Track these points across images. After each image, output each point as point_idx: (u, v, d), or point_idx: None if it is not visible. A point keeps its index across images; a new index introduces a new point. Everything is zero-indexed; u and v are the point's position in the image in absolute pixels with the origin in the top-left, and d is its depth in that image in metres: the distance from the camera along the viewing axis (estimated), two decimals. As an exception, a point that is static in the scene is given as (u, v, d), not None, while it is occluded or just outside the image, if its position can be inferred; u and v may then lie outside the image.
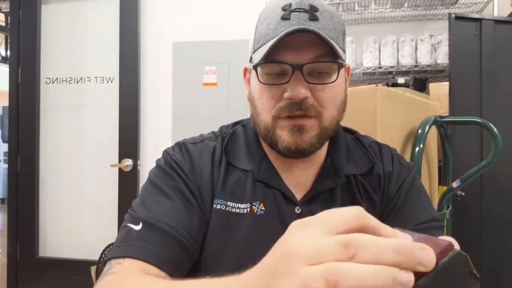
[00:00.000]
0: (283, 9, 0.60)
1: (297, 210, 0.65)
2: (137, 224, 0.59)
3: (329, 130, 0.63)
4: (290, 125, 0.60)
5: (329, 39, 0.56)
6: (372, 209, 0.66)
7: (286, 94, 0.59)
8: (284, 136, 0.61)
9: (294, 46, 0.58)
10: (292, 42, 0.58)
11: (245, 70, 0.72)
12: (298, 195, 0.66)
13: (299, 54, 0.58)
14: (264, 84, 0.61)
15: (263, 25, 0.62)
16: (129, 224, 0.59)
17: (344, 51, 0.63)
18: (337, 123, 0.65)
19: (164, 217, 0.60)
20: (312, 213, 0.67)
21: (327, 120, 0.62)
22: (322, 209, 0.66)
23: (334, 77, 0.61)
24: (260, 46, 0.61)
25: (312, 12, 0.59)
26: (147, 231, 0.58)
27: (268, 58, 0.59)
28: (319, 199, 0.66)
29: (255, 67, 0.62)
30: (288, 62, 0.58)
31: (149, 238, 0.57)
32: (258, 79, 0.62)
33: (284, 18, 0.59)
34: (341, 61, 0.60)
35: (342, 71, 0.63)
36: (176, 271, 0.56)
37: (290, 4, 0.60)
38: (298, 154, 0.62)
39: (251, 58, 0.67)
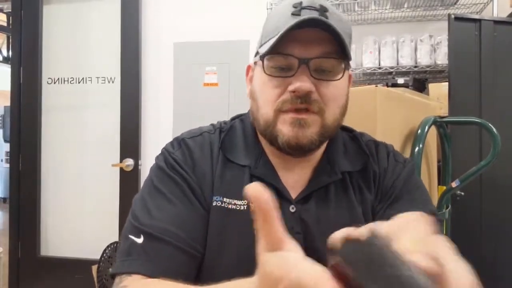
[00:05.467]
0: (294, 6, 0.60)
1: (292, 209, 0.64)
2: (139, 236, 0.58)
3: (330, 130, 0.62)
4: (292, 118, 0.59)
5: (340, 32, 0.56)
6: (364, 208, 0.66)
7: (291, 87, 0.58)
8: (285, 130, 0.60)
9: (302, 40, 0.58)
10: (301, 37, 0.58)
11: (248, 68, 0.71)
12: (294, 193, 0.65)
13: (307, 48, 0.58)
14: (269, 76, 0.61)
15: (272, 21, 0.62)
16: (131, 236, 0.58)
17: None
18: (338, 125, 0.64)
19: (167, 224, 0.59)
20: (307, 212, 0.63)
21: (329, 118, 0.61)
22: (316, 209, 0.65)
23: (339, 75, 0.60)
24: (268, 40, 0.61)
25: (323, 11, 0.59)
26: (149, 243, 0.57)
27: (275, 51, 0.59)
28: (313, 197, 0.65)
29: (261, 58, 0.61)
30: (295, 55, 0.58)
31: (152, 251, 0.57)
32: (264, 70, 0.61)
33: (294, 14, 0.59)
34: (348, 61, 0.60)
35: (346, 73, 0.63)
36: (182, 278, 0.56)
37: (301, 2, 0.60)
38: (297, 150, 0.61)
39: (256, 53, 0.66)
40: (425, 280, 0.23)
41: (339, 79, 0.60)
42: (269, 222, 0.30)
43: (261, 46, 0.64)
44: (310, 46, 0.58)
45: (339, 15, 0.61)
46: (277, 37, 0.57)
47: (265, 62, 0.61)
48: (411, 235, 0.27)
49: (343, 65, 0.60)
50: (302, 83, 0.57)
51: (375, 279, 0.23)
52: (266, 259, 0.30)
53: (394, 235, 0.27)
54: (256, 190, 0.29)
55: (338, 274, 0.26)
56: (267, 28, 0.63)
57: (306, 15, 0.58)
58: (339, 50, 0.58)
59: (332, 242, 0.28)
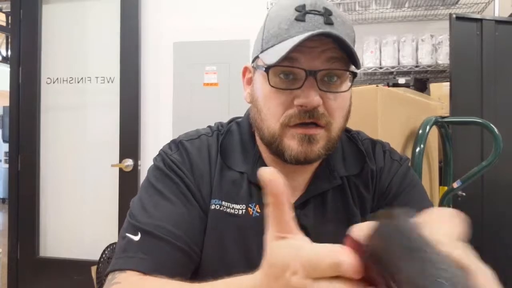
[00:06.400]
0: (297, 9, 0.57)
1: None
2: (136, 234, 0.57)
3: (336, 141, 0.61)
4: (300, 134, 0.58)
5: (350, 44, 0.55)
6: (363, 210, 0.65)
7: (298, 101, 0.56)
8: (293, 145, 0.58)
9: (307, 48, 0.56)
10: (307, 45, 0.55)
11: (245, 69, 0.69)
12: (292, 198, 0.64)
13: (313, 58, 0.56)
14: (274, 88, 0.58)
15: (273, 24, 0.59)
16: (128, 234, 0.58)
17: None
18: (342, 132, 0.63)
19: (164, 222, 0.58)
20: (306, 217, 0.64)
21: (335, 130, 0.60)
22: (314, 214, 0.64)
23: (345, 86, 0.59)
24: (271, 46, 0.59)
25: (327, 16, 0.57)
26: (146, 241, 0.57)
27: (281, 60, 0.56)
28: (311, 202, 0.64)
29: (267, 69, 0.58)
30: (302, 66, 0.56)
31: (148, 248, 0.56)
32: (269, 82, 0.58)
33: (298, 19, 0.56)
34: (354, 71, 0.59)
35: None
36: (178, 277, 0.55)
37: (304, 6, 0.57)
38: (304, 163, 0.60)
39: (256, 58, 0.64)
40: (458, 270, 0.23)
41: (346, 90, 0.59)
42: (280, 208, 0.30)
43: (262, 51, 0.61)
44: (316, 54, 0.56)
45: (342, 17, 0.60)
46: (284, 47, 0.55)
47: (270, 72, 0.58)
48: (443, 229, 0.27)
49: (349, 74, 0.59)
50: (311, 98, 0.55)
51: (410, 260, 0.23)
52: (273, 247, 0.30)
53: (426, 225, 0.26)
54: (270, 174, 0.30)
55: (354, 249, 0.26)
56: (267, 31, 0.60)
57: (310, 21, 0.56)
58: (345, 57, 0.57)
59: (360, 229, 0.27)
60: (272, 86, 0.58)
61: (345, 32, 0.58)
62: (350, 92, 0.62)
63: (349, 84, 0.60)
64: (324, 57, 0.56)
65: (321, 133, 0.58)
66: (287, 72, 0.58)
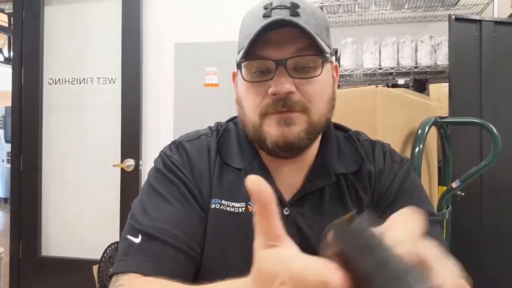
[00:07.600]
0: (265, 7, 0.60)
1: (286, 211, 0.63)
2: (137, 236, 0.58)
3: (318, 127, 0.62)
4: (277, 118, 0.59)
5: (310, 30, 0.56)
6: (360, 211, 0.65)
7: (270, 90, 0.58)
8: (272, 131, 0.59)
9: (276, 41, 0.58)
10: (274, 38, 0.58)
11: (234, 74, 0.71)
12: (288, 196, 0.65)
13: (282, 49, 0.58)
14: (249, 82, 0.61)
15: (246, 27, 0.62)
16: (129, 237, 0.59)
17: (329, 46, 0.62)
18: (327, 120, 0.64)
19: (165, 224, 0.59)
20: (301, 214, 0.64)
21: (316, 116, 0.60)
22: (310, 211, 0.64)
23: (318, 71, 0.60)
24: (244, 46, 0.60)
25: (293, 9, 0.58)
26: (147, 243, 0.57)
27: (251, 55, 0.59)
28: (307, 199, 0.64)
29: (238, 66, 0.62)
30: (271, 58, 0.58)
31: (149, 250, 0.57)
32: (243, 77, 0.61)
33: (265, 16, 0.59)
34: (325, 55, 0.59)
35: (328, 66, 0.62)
36: (180, 278, 0.56)
37: (271, 3, 0.60)
38: (286, 149, 0.60)
39: (237, 61, 0.66)
40: (411, 266, 0.23)
41: (319, 74, 0.60)
42: (268, 217, 0.29)
43: (238, 53, 0.63)
44: (284, 46, 0.58)
45: (312, 9, 0.61)
46: (248, 42, 0.57)
47: (243, 69, 0.61)
48: (402, 229, 0.27)
49: (321, 60, 0.60)
50: (280, 85, 0.57)
51: (364, 259, 0.24)
52: (261, 256, 0.29)
53: (385, 228, 0.27)
54: (256, 183, 0.28)
55: (341, 264, 0.25)
56: (242, 34, 0.63)
57: (276, 15, 0.58)
58: (315, 45, 0.58)
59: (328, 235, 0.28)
60: (247, 81, 0.61)
61: (315, 22, 0.59)
62: (328, 78, 0.63)
63: (321, 69, 0.60)
64: (293, 48, 0.58)
65: (298, 116, 0.59)
66: (261, 69, 0.60)
